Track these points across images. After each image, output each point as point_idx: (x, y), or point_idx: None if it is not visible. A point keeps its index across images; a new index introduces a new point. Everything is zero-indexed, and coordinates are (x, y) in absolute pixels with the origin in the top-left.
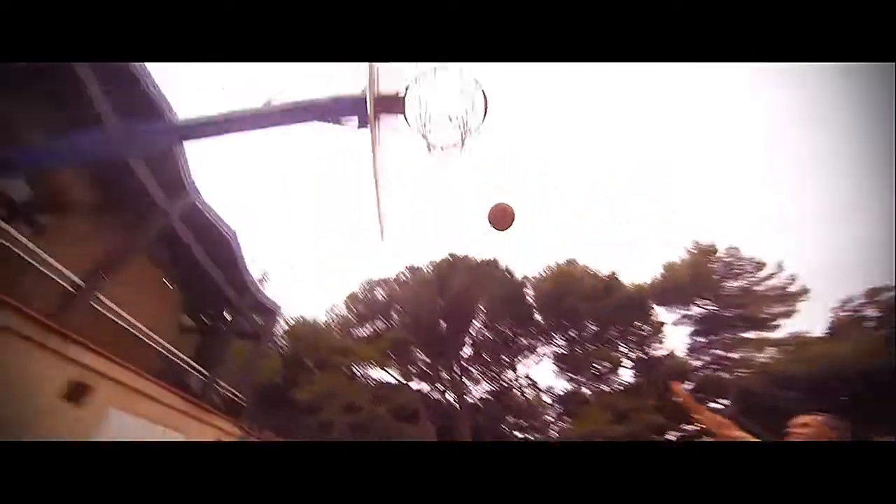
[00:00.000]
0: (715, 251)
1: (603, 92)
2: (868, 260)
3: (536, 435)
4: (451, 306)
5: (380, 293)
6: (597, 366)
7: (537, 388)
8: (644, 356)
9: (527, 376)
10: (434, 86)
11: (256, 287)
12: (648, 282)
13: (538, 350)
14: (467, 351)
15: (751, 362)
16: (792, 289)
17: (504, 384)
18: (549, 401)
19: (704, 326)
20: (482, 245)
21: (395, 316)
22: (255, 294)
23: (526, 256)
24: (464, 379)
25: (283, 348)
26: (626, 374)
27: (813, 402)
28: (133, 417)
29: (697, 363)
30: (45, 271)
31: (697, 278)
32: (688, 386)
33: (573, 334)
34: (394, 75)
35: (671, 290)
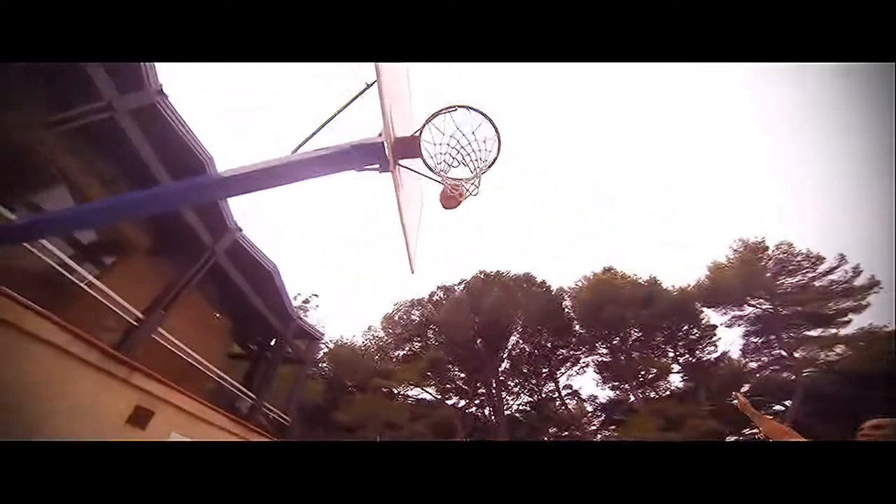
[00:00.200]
0: (766, 248)
1: (603, 92)
2: (868, 260)
3: None
4: (486, 323)
5: (415, 314)
6: (643, 372)
7: (580, 397)
8: (694, 360)
9: (568, 387)
10: (446, 125)
11: (298, 315)
12: (693, 283)
13: (580, 360)
14: (504, 365)
15: (816, 361)
16: (858, 282)
17: (544, 396)
18: (592, 410)
19: (761, 326)
20: (509, 260)
21: (430, 335)
22: (296, 321)
23: (559, 269)
24: (502, 393)
25: (325, 371)
26: (676, 380)
27: (889, 400)
28: (190, 440)
29: (754, 364)
30: (110, 306)
31: (748, 277)
32: (743, 389)
33: (616, 342)
34: (406, 117)
35: (719, 290)
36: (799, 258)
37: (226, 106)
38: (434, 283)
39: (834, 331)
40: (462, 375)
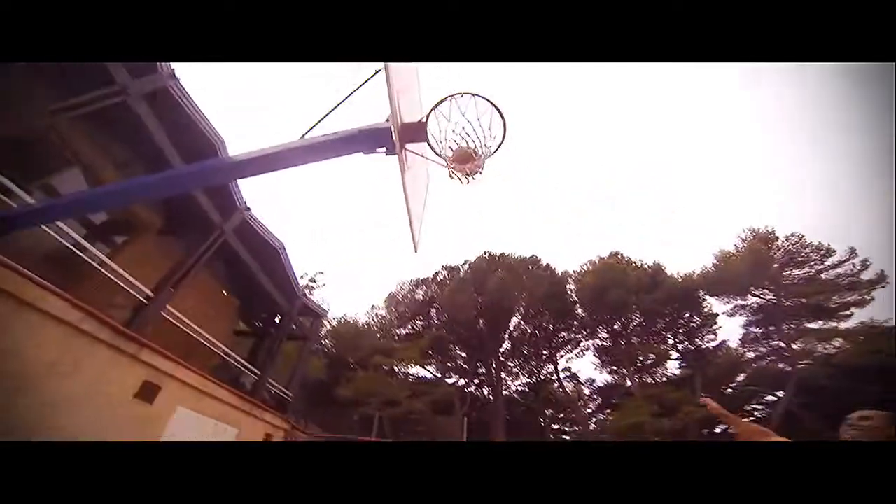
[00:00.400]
0: (775, 238)
1: (603, 92)
2: (868, 260)
3: (575, 427)
4: (490, 304)
5: (419, 293)
6: (641, 358)
7: (578, 380)
8: (693, 347)
9: (567, 369)
10: (452, 112)
11: (303, 293)
12: (698, 271)
13: (580, 343)
14: (506, 346)
15: (814, 353)
16: (866, 276)
17: (543, 378)
18: (589, 393)
19: (762, 317)
20: (514, 242)
21: (433, 315)
22: (302, 299)
23: (564, 252)
24: (501, 373)
25: (328, 348)
26: (673, 366)
27: (882, 394)
28: (196, 414)
29: (752, 354)
30: (121, 284)
31: (756, 267)
32: (739, 378)
33: (617, 327)
34: (415, 108)
35: (725, 279)
36: (808, 250)
37: (226, 106)
38: (439, 265)
39: (834, 324)
40: (463, 355)
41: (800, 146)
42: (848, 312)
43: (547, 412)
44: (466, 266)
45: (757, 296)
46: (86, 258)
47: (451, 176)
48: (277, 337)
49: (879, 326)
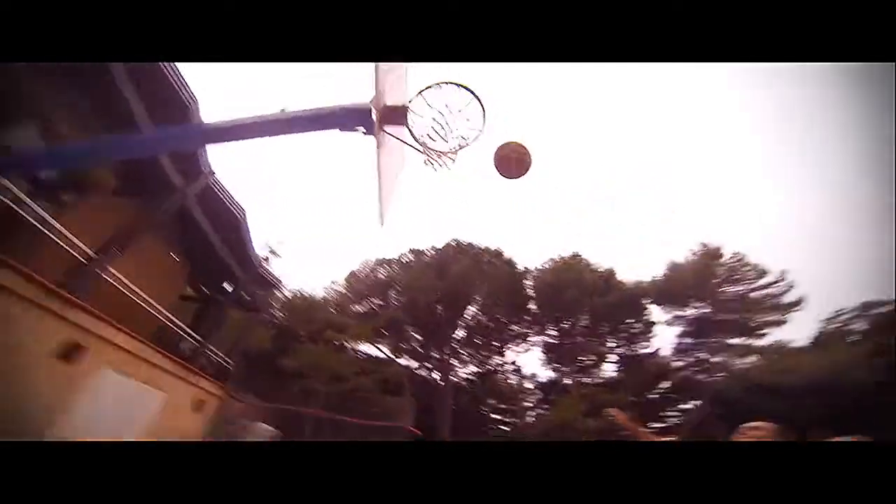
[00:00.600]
0: (721, 255)
1: (603, 92)
2: (868, 259)
3: (513, 419)
4: (449, 290)
5: (381, 273)
6: (582, 358)
7: (522, 374)
8: (630, 353)
9: (513, 363)
10: (435, 100)
11: (260, 262)
12: (650, 280)
13: (529, 339)
14: (459, 334)
15: (731, 367)
16: (787, 298)
17: (490, 368)
18: (531, 387)
19: (695, 328)
20: (485, 233)
21: (393, 295)
22: (257, 268)
23: (527, 247)
24: (452, 360)
25: (279, 320)
26: (610, 369)
27: (789, 410)
28: (123, 377)
29: (679, 363)
30: (60, 243)
31: (700, 280)
32: (663, 385)
33: (566, 326)
34: (399, 89)
35: (672, 290)
36: (746, 269)
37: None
38: (406, 248)
39: (751, 342)
40: (418, 338)
41: (800, 146)
42: (765, 332)
43: (490, 402)
44: (432, 251)
45: (695, 308)
46: (25, 215)
47: (425, 162)
48: (225, 304)
49: (789, 346)
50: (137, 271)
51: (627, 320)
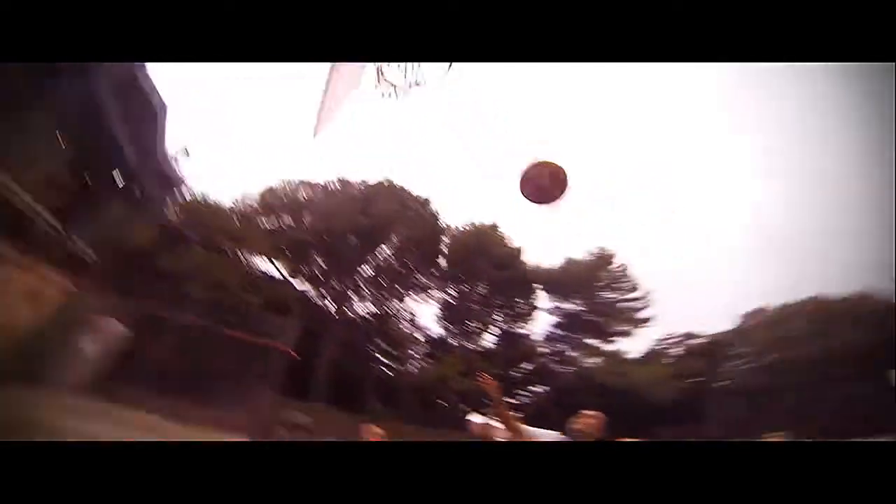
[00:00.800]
0: (611, 262)
1: (603, 92)
2: (867, 259)
3: (398, 364)
4: (369, 226)
5: (302, 193)
6: (470, 323)
7: (415, 324)
8: (509, 329)
9: (410, 312)
10: None
11: (167, 160)
12: (547, 267)
13: (430, 292)
14: (367, 271)
15: (579, 364)
16: (641, 315)
17: (388, 311)
18: (420, 339)
19: (566, 322)
20: (420, 180)
21: (308, 218)
22: (161, 165)
23: (456, 207)
24: (351, 294)
25: (171, 220)
26: (491, 340)
27: (608, 406)
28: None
29: (544, 350)
30: None
31: (585, 280)
32: (524, 365)
33: (465, 289)
34: None
35: (561, 282)
36: (623, 281)
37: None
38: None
39: (601, 345)
40: (322, 265)
41: (799, 146)
42: (615, 339)
43: (378, 342)
44: (362, 185)
45: (573, 303)
46: None
47: (377, 85)
48: (107, 196)
49: (623, 355)
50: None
51: (517, 299)
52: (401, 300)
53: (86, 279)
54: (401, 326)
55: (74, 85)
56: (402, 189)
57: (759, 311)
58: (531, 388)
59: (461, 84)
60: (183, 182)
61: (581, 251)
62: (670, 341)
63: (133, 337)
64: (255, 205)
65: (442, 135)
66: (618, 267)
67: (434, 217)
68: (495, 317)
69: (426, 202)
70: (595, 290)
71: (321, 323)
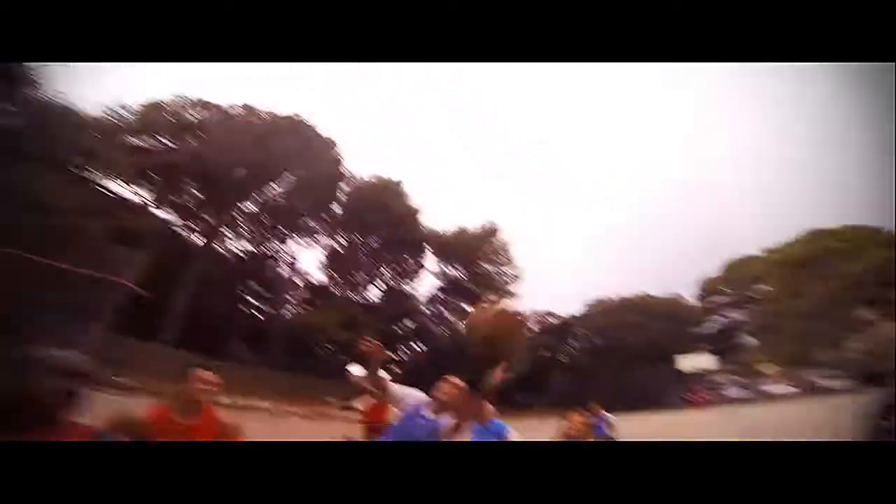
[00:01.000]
0: (495, 235)
1: (603, 92)
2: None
3: (270, 308)
4: (261, 161)
5: (191, 113)
6: (356, 275)
7: (295, 269)
8: (395, 286)
9: (292, 255)
10: None
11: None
12: (440, 232)
13: (317, 237)
14: (249, 206)
15: (453, 327)
16: (509, 288)
17: (266, 252)
18: (299, 284)
19: (448, 286)
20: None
21: (190, 141)
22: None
23: (365, 159)
24: (225, 229)
25: (12, 128)
26: (376, 294)
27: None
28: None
29: (425, 310)
30: None
31: (472, 249)
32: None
33: (357, 240)
34: None
35: (450, 247)
36: (500, 254)
37: None
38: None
39: (470, 309)
40: (196, 195)
41: (799, 146)
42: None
43: (251, 284)
44: (267, 115)
45: (456, 269)
46: None
47: None
48: None
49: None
50: None
51: (407, 256)
52: (282, 241)
53: None
54: (279, 269)
55: None
56: (310, 128)
57: (602, 301)
58: (410, 344)
59: (461, 84)
60: (39, 85)
61: (473, 222)
62: (534, 318)
63: None
64: (133, 119)
65: (442, 135)
66: (500, 243)
67: (336, 161)
68: (383, 270)
69: (332, 143)
70: (476, 258)
71: (183, 258)
